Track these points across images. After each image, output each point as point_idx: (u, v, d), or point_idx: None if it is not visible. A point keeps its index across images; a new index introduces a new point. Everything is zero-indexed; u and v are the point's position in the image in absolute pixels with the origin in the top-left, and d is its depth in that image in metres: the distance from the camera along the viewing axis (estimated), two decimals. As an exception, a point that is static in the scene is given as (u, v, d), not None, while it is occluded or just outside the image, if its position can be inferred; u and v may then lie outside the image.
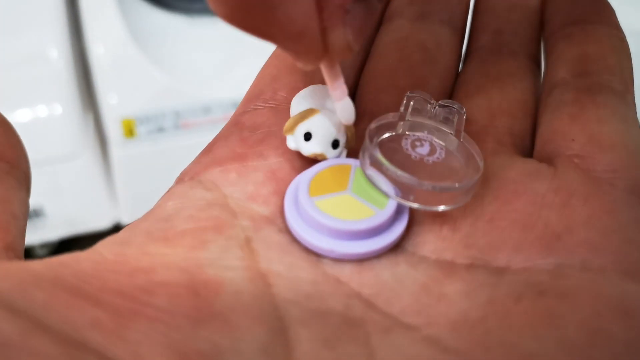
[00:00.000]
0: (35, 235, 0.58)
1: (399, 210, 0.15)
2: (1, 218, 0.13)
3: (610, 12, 0.18)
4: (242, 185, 0.15)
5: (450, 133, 0.16)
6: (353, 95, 0.19)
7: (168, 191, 0.15)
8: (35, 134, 0.52)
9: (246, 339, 0.11)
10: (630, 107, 0.16)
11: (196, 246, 0.13)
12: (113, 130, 0.53)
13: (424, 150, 0.15)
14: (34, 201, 0.57)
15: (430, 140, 0.16)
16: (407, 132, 0.16)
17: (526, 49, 0.19)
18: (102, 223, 0.58)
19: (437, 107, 0.16)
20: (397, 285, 0.13)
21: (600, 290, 0.13)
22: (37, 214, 0.56)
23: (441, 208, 0.14)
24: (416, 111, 0.16)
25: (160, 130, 0.53)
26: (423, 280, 0.13)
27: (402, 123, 0.16)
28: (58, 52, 0.49)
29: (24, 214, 0.14)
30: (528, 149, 0.17)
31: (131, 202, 0.57)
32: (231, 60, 0.54)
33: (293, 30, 0.12)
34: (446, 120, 0.16)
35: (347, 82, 0.18)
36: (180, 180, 0.16)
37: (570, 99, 0.17)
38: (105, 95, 0.51)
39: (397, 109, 0.16)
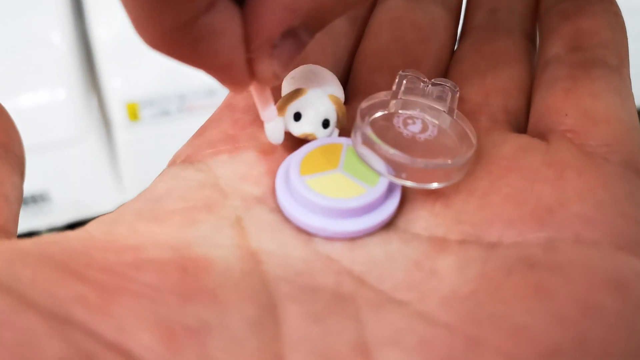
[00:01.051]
0: (42, 219, 0.58)
1: (390, 188, 0.15)
2: None
3: None
4: (234, 166, 0.15)
5: (443, 111, 0.16)
6: (347, 74, 0.18)
7: (161, 173, 0.15)
8: (40, 118, 0.52)
9: (234, 315, 0.11)
10: (625, 81, 0.16)
11: (186, 225, 0.13)
12: (117, 114, 0.53)
13: (416, 127, 0.15)
14: (39, 186, 0.57)
15: (422, 118, 0.16)
16: (399, 111, 0.16)
17: (522, 27, 0.19)
18: (108, 207, 0.59)
19: (430, 86, 0.16)
20: (389, 262, 0.13)
21: (592, 263, 0.12)
22: (43, 198, 0.56)
23: (434, 185, 0.14)
24: (409, 90, 0.16)
25: (165, 113, 0.53)
26: (415, 257, 0.13)
27: (394, 102, 0.16)
28: (61, 35, 0.49)
29: (17, 198, 0.14)
30: (523, 127, 0.17)
31: (136, 186, 0.57)
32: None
33: (218, 62, 0.12)
34: (439, 99, 0.16)
35: (340, 62, 0.18)
36: (172, 162, 0.16)
37: (564, 74, 0.16)
38: (109, 78, 0.51)
39: (390, 88, 0.16)
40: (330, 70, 0.17)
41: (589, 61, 0.16)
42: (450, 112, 0.16)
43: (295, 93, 0.15)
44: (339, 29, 0.18)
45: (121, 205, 0.14)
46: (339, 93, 0.16)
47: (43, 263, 0.11)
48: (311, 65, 0.16)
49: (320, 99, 0.15)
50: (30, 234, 0.65)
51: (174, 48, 0.12)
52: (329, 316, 0.12)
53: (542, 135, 0.16)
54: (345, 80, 0.18)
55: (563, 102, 0.16)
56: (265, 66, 0.13)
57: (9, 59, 0.49)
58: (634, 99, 0.16)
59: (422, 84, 0.16)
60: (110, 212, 0.14)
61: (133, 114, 0.53)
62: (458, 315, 0.12)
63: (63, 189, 0.55)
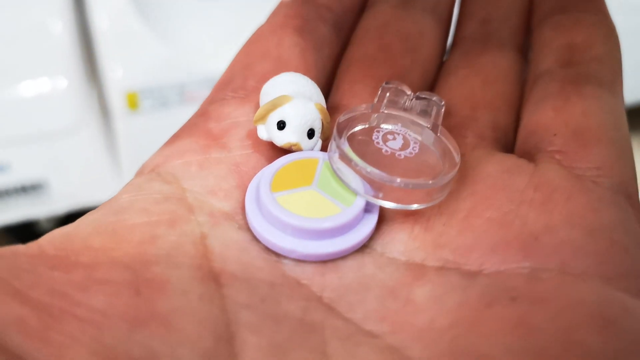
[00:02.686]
0: (41, 208, 0.58)
1: (368, 208, 0.14)
2: None
3: (600, 0, 0.17)
4: (203, 179, 0.14)
5: (427, 127, 0.15)
6: (330, 85, 0.18)
7: (127, 183, 0.14)
8: (39, 107, 0.52)
9: (187, 345, 0.11)
10: (617, 98, 0.15)
11: (145, 241, 0.12)
12: (117, 103, 0.53)
13: (396, 144, 0.15)
14: (38, 175, 0.57)
15: (403, 134, 0.15)
16: (380, 125, 0.15)
17: (513, 40, 0.18)
18: (106, 196, 0.58)
19: (414, 99, 0.15)
20: (362, 289, 0.13)
21: (578, 298, 0.12)
22: (42, 187, 0.56)
23: (414, 207, 0.14)
24: (392, 103, 0.15)
25: (165, 102, 0.53)
26: (390, 284, 0.13)
27: (375, 115, 0.15)
28: (62, 24, 0.49)
29: None
30: (511, 144, 0.16)
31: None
32: (236, 32, 0.53)
33: None
34: (423, 114, 0.15)
35: (323, 72, 0.17)
36: (140, 172, 0.15)
37: (555, 90, 0.16)
38: (109, 68, 0.51)
39: (373, 99, 0.15)
40: (313, 77, 0.16)
41: (581, 77, 0.16)
42: (434, 128, 0.15)
43: (280, 100, 0.14)
44: (323, 36, 0.18)
45: (83, 216, 0.13)
46: (322, 102, 0.15)
47: None
48: (291, 73, 0.16)
49: (306, 106, 0.14)
50: (29, 224, 0.65)
51: None
52: (293, 349, 0.11)
53: (530, 155, 0.15)
54: (328, 91, 0.17)
55: (553, 121, 0.15)
56: None
57: (9, 47, 0.49)
58: (625, 117, 0.15)
59: (405, 97, 0.15)
60: (67, 226, 0.13)
61: (133, 103, 0.53)
62: (433, 350, 0.11)
63: (62, 178, 0.55)
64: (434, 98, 0.15)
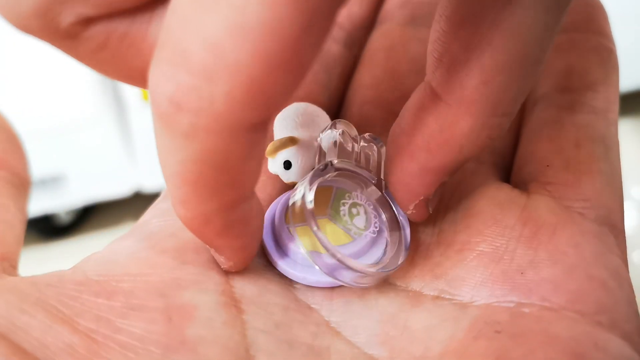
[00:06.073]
0: (59, 201, 0.59)
1: (376, 238, 0.15)
2: None
3: (602, 20, 0.18)
4: None
5: (372, 182, 0.15)
6: (340, 105, 0.18)
7: (153, 205, 0.16)
8: (56, 100, 0.52)
9: None
10: (610, 126, 0.16)
11: (175, 267, 0.14)
12: (132, 95, 0.53)
13: (360, 222, 0.15)
14: (55, 168, 0.58)
15: (364, 206, 0.15)
16: (340, 187, 0.15)
17: None
18: (123, 189, 0.59)
19: (360, 144, 0.15)
20: (365, 313, 0.14)
21: (554, 333, 0.13)
22: (60, 180, 0.57)
23: (366, 285, 0.14)
24: (342, 150, 0.15)
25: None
26: (390, 310, 0.14)
27: (330, 168, 0.15)
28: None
29: (22, 222, 0.15)
30: (509, 166, 0.17)
31: (150, 167, 0.58)
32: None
33: (238, 244, 0.13)
34: (367, 159, 0.15)
35: (334, 92, 0.18)
36: (167, 194, 0.16)
37: (550, 117, 0.16)
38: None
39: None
40: (324, 99, 0.17)
41: (577, 105, 0.16)
42: (377, 172, 0.15)
43: (287, 142, 0.15)
44: (334, 56, 0.18)
45: (114, 241, 0.15)
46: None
47: (38, 308, 0.12)
48: (304, 104, 0.16)
49: (310, 150, 0.15)
50: (46, 218, 0.66)
51: (206, 228, 0.12)
52: None
53: (524, 183, 0.16)
54: (338, 110, 0.18)
55: (547, 151, 0.16)
56: (424, 214, 0.14)
57: (26, 43, 0.49)
58: (618, 145, 0.16)
59: (352, 142, 0.15)
60: (105, 249, 0.14)
61: (148, 95, 0.53)
62: None
63: (79, 171, 0.56)
64: (375, 140, 0.15)
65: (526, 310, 0.13)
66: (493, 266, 0.14)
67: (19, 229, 0.15)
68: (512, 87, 0.12)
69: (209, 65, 0.09)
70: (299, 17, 0.09)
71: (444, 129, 0.13)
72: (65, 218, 0.65)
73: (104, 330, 0.12)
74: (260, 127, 0.10)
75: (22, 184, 0.15)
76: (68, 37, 0.12)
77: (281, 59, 0.09)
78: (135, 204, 0.67)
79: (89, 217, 0.72)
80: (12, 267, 0.14)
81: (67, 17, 0.12)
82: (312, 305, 0.14)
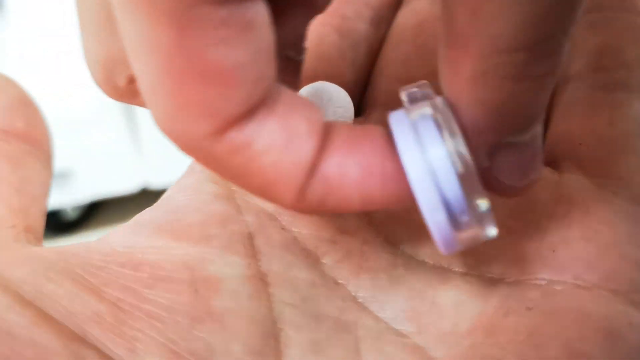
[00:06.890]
0: (66, 196, 0.59)
1: None
2: (22, 201, 0.14)
3: None
4: None
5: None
6: (366, 83, 0.18)
7: (178, 182, 0.16)
8: (64, 96, 0.52)
9: (238, 341, 0.12)
10: None
11: (201, 241, 0.14)
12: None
13: None
14: (63, 163, 0.58)
15: None
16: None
17: None
18: (130, 185, 0.59)
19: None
20: (393, 290, 0.14)
21: (587, 310, 0.13)
22: (67, 175, 0.57)
23: None
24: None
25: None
26: (418, 286, 0.14)
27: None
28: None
29: (45, 195, 0.15)
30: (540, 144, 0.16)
31: (158, 163, 0.58)
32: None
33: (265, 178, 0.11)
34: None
35: (360, 69, 0.18)
36: (190, 171, 0.16)
37: (583, 96, 0.16)
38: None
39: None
40: (350, 77, 0.17)
41: (611, 84, 0.16)
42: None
43: None
44: (361, 33, 0.18)
45: (142, 213, 0.15)
46: (349, 114, 0.16)
47: (65, 277, 0.12)
48: (323, 83, 0.16)
49: None
50: (52, 213, 0.65)
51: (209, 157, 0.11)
52: (329, 346, 0.13)
53: (556, 161, 0.16)
54: (364, 88, 0.18)
55: (579, 130, 0.15)
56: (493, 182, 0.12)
57: (34, 40, 0.49)
58: None
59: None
60: (131, 221, 0.14)
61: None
62: (452, 353, 0.13)
63: (87, 166, 0.56)
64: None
65: (558, 287, 0.13)
66: (524, 244, 0.14)
67: (43, 202, 0.15)
68: (509, 14, 0.10)
69: None
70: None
71: (454, 77, 0.11)
72: (71, 214, 0.65)
73: (131, 299, 0.12)
74: None
75: (45, 158, 0.15)
76: (131, 95, 0.14)
77: None
78: (142, 200, 0.67)
79: (95, 213, 0.72)
80: (36, 239, 0.14)
81: (121, 79, 0.13)
82: (339, 281, 0.14)
